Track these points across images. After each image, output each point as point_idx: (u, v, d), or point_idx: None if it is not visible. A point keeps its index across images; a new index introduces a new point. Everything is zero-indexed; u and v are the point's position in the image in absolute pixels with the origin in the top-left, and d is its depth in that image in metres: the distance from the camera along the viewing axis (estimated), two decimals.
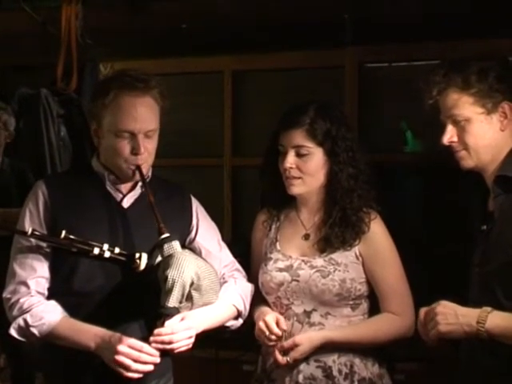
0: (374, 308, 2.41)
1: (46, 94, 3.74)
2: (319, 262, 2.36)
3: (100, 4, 3.41)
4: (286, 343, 2.32)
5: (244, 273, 2.46)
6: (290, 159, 2.35)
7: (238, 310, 2.33)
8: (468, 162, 2.11)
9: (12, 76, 4.06)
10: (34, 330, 2.15)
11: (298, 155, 2.35)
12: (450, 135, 2.10)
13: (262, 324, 2.35)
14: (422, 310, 2.04)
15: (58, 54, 3.42)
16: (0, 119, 3.64)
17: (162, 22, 3.54)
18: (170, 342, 2.10)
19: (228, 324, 2.33)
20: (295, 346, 2.30)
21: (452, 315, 1.95)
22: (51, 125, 3.75)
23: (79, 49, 3.43)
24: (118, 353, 2.07)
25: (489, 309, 1.93)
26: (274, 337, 2.32)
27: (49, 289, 2.23)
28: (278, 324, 2.33)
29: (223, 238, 2.50)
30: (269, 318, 2.35)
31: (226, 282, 2.37)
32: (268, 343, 2.34)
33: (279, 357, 2.32)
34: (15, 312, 2.17)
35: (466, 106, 2.06)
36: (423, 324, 2.01)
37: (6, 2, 3.39)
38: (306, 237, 2.43)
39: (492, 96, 2.05)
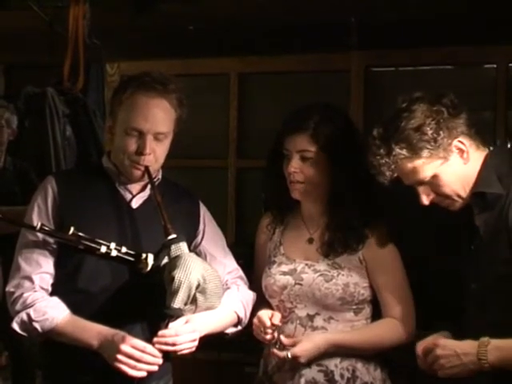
0: (377, 313, 2.41)
1: (52, 93, 3.74)
2: (323, 265, 2.36)
3: (107, 4, 3.41)
4: (287, 340, 2.30)
5: (246, 280, 2.45)
6: (295, 163, 2.34)
7: (238, 317, 2.33)
8: (456, 205, 2.10)
9: (18, 74, 4.07)
10: (37, 325, 2.14)
11: (303, 159, 2.34)
12: (426, 197, 2.09)
13: (255, 320, 2.36)
14: (420, 347, 2.04)
15: (64, 54, 3.42)
16: (2, 117, 3.65)
17: (168, 23, 3.54)
18: (173, 344, 2.09)
19: (227, 331, 2.33)
20: (295, 343, 2.29)
21: (454, 357, 1.94)
22: (57, 124, 3.75)
23: (86, 48, 3.43)
24: (120, 352, 2.06)
25: (485, 341, 1.92)
26: (269, 330, 2.31)
27: (52, 285, 2.22)
28: (271, 319, 2.32)
29: (226, 240, 2.50)
30: (262, 313, 2.35)
31: (228, 288, 2.36)
32: (264, 337, 2.33)
33: (277, 351, 2.30)
34: (18, 306, 2.16)
35: (424, 167, 2.04)
36: (423, 360, 2.01)
37: (14, 0, 3.39)
38: (310, 241, 2.43)
39: (440, 145, 2.02)
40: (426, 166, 2.04)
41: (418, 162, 2.03)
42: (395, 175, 2.08)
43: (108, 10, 3.44)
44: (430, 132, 2.01)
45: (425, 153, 2.02)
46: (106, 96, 3.81)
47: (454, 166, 2.05)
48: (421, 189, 2.09)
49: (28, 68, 4.00)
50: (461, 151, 2.05)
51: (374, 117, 3.66)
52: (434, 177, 2.05)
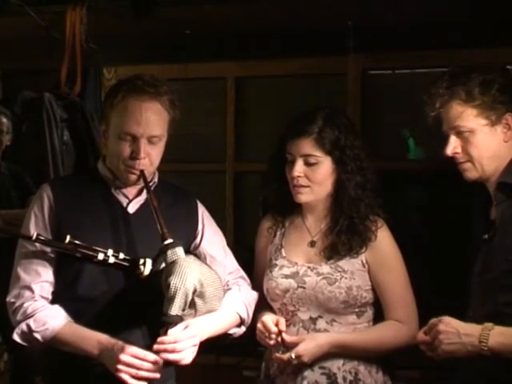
0: (378, 315, 2.41)
1: (50, 97, 3.75)
2: (325, 269, 2.36)
3: (104, 9, 3.42)
4: (290, 339, 2.30)
5: (248, 280, 2.44)
6: (299, 168, 2.34)
7: (241, 318, 2.32)
8: (472, 173, 2.12)
9: (16, 79, 4.08)
10: (37, 336, 2.13)
11: (307, 164, 2.34)
12: (453, 146, 2.11)
13: (259, 325, 2.35)
14: (420, 332, 2.05)
15: (62, 59, 3.43)
16: (3, 124, 3.67)
17: (165, 28, 3.55)
18: (173, 351, 2.08)
19: (231, 331, 2.32)
20: (298, 342, 2.29)
21: (455, 334, 1.95)
22: (54, 129, 3.75)
23: (83, 53, 3.44)
24: (120, 362, 2.05)
25: (490, 325, 1.94)
26: (273, 335, 2.31)
27: (53, 293, 2.21)
28: (277, 325, 2.32)
29: None
30: (266, 318, 2.34)
31: (229, 289, 2.35)
32: (269, 343, 2.33)
33: (280, 355, 2.29)
34: (19, 317, 2.16)
35: (470, 117, 2.07)
36: (423, 342, 2.02)
37: (11, 6, 3.39)
38: (312, 244, 2.43)
39: (495, 108, 2.06)
40: (472, 117, 2.07)
41: (467, 110, 2.07)
42: (441, 110, 2.10)
43: (105, 14, 3.44)
44: (493, 90, 2.06)
45: (478, 105, 2.06)
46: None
47: (493, 136, 2.08)
48: (453, 138, 2.11)
49: (25, 73, 4.00)
50: (507, 127, 2.08)
51: (371, 120, 3.67)
52: (472, 131, 2.08)
